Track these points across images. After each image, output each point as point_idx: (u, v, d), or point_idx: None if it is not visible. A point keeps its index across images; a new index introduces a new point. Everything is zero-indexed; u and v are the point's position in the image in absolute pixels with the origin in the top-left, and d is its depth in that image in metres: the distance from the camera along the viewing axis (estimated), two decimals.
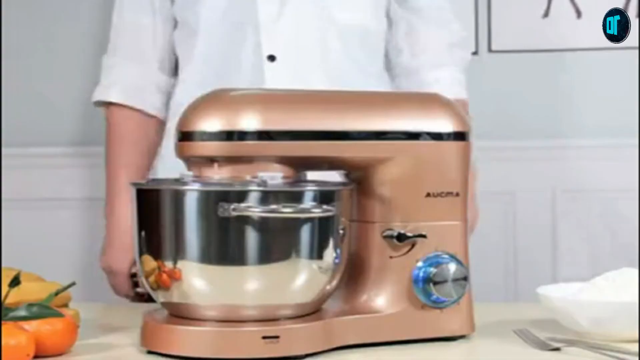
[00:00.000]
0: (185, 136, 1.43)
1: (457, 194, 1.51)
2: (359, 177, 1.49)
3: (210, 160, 1.42)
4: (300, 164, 1.45)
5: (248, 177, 1.40)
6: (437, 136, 1.49)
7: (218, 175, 1.42)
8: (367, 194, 1.50)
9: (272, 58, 1.93)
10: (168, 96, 2.05)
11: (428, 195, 1.49)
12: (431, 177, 1.49)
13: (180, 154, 1.45)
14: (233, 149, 1.41)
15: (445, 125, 1.50)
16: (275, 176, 1.39)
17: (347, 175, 1.52)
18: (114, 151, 2.05)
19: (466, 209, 1.53)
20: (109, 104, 2.06)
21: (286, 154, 1.42)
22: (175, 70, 2.06)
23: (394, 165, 1.48)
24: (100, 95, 2.07)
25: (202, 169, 1.43)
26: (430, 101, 1.53)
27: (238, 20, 1.96)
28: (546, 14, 2.68)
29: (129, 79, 2.05)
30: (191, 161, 1.45)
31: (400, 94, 1.59)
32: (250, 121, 1.40)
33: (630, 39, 2.50)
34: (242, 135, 1.40)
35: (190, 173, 1.44)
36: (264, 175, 1.39)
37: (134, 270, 1.96)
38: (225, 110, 1.42)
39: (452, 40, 2.02)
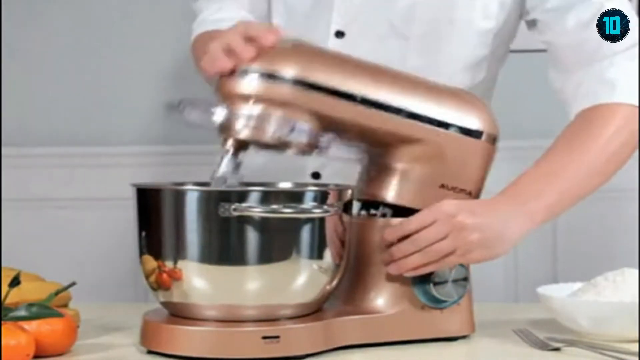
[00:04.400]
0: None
1: (470, 193, 1.51)
2: (378, 154, 1.50)
3: (246, 99, 1.42)
4: (331, 125, 1.45)
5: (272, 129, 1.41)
6: (465, 131, 1.50)
7: (247, 111, 1.42)
8: (384, 171, 1.50)
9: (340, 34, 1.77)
10: None
11: (442, 186, 1.49)
12: (450, 168, 1.50)
13: (220, 89, 1.45)
14: (269, 90, 1.41)
15: (476, 123, 1.51)
16: (303, 126, 1.40)
17: (365, 152, 1.52)
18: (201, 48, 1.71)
19: None
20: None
21: (320, 109, 1.43)
22: None
23: (418, 147, 1.49)
24: (195, 32, 1.86)
25: (235, 104, 1.43)
26: (468, 98, 1.54)
27: None
28: None
29: (223, 14, 1.83)
30: (229, 97, 1.44)
31: (442, 86, 1.57)
32: (292, 67, 1.41)
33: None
34: (281, 79, 1.41)
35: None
36: (293, 120, 1.40)
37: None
38: (271, 53, 1.42)
39: None
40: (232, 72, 1.43)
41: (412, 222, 1.47)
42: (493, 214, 1.49)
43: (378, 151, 1.51)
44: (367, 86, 1.46)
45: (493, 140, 1.53)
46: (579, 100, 1.67)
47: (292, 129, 1.40)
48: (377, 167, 1.51)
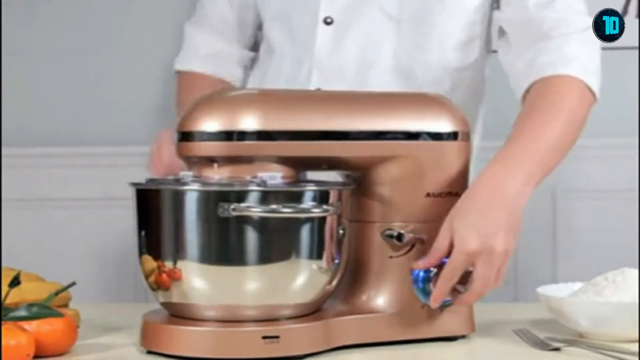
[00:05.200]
0: (184, 136, 1.43)
1: (457, 194, 1.51)
2: (359, 177, 1.50)
3: (210, 161, 1.42)
4: (300, 164, 1.45)
5: (248, 178, 1.40)
6: (437, 136, 1.49)
7: (218, 175, 1.42)
8: (367, 194, 1.50)
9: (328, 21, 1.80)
10: (248, 70, 1.99)
11: (428, 195, 1.49)
12: (431, 177, 1.49)
13: (180, 154, 1.45)
14: (232, 149, 1.41)
15: (445, 125, 1.50)
16: (275, 176, 1.39)
17: (347, 176, 1.52)
18: (181, 101, 1.94)
19: None
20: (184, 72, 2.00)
21: (286, 154, 1.42)
22: (256, 46, 1.99)
23: (394, 165, 1.48)
24: (178, 65, 2.01)
25: (202, 169, 1.43)
26: (430, 101, 1.53)
27: None
28: None
29: (209, 49, 1.98)
30: (191, 161, 1.45)
31: (400, 94, 1.59)
32: (249, 121, 1.40)
33: (630, 39, 2.50)
34: (241, 136, 1.40)
35: (190, 173, 1.44)
36: (263, 175, 1.39)
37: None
38: (225, 111, 1.42)
39: None
40: (190, 135, 1.42)
41: (452, 272, 1.45)
42: (500, 226, 1.47)
43: (357, 175, 1.50)
44: (327, 119, 1.45)
45: (467, 136, 1.53)
46: (533, 72, 1.68)
47: (265, 184, 1.38)
48: (360, 189, 1.50)
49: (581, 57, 1.67)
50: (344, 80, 1.79)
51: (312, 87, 1.81)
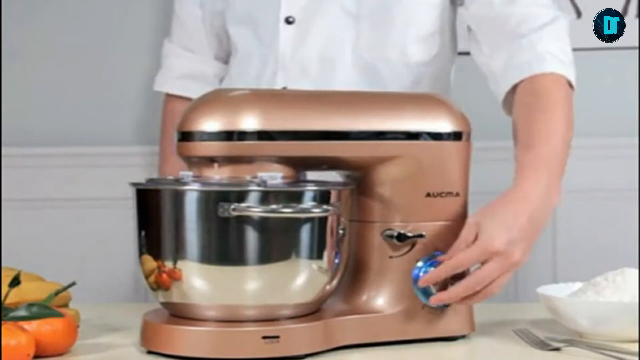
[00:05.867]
0: (185, 136, 1.43)
1: (457, 194, 1.51)
2: (359, 177, 1.50)
3: (211, 161, 1.42)
4: (300, 164, 1.45)
5: (248, 177, 1.41)
6: (437, 136, 1.49)
7: (218, 175, 1.42)
8: (367, 194, 1.50)
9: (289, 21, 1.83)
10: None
11: (428, 195, 1.49)
12: (431, 177, 1.49)
13: (180, 154, 1.45)
14: (233, 149, 1.41)
15: (445, 125, 1.50)
16: (275, 176, 1.39)
17: (347, 176, 1.52)
18: (164, 138, 2.06)
19: (467, 209, 1.53)
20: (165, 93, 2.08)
21: (286, 154, 1.42)
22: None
23: (394, 165, 1.48)
24: (157, 86, 2.08)
25: (202, 169, 1.43)
26: (430, 101, 1.53)
27: None
28: None
29: (184, 69, 2.03)
30: (191, 161, 1.45)
31: (400, 94, 1.59)
32: (250, 121, 1.40)
33: (630, 39, 2.50)
34: (242, 136, 1.40)
35: (190, 173, 1.44)
36: (263, 175, 1.39)
37: None
38: (225, 111, 1.42)
39: None
40: (190, 135, 1.42)
41: (462, 261, 1.46)
42: (525, 237, 1.48)
43: (357, 175, 1.50)
44: (328, 119, 1.45)
45: (467, 136, 1.53)
46: (511, 74, 1.69)
47: (265, 184, 1.38)
48: (360, 189, 1.50)
49: (555, 52, 1.68)
50: (308, 79, 1.82)
51: (278, 87, 1.82)
